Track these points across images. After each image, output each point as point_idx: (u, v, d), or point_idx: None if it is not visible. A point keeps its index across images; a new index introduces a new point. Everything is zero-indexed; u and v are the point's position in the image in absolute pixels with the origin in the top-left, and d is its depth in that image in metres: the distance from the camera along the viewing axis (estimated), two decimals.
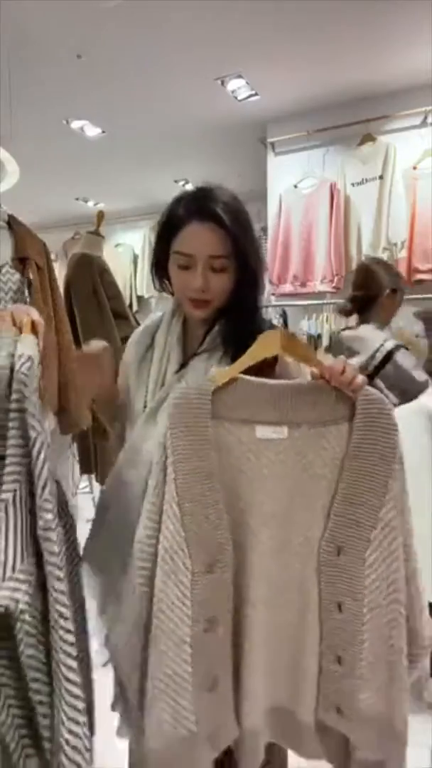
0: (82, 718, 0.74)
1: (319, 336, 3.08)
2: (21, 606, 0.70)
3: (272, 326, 1.10)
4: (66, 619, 0.72)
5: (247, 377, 0.87)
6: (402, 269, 3.06)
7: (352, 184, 3.21)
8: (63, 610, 0.72)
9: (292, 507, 0.88)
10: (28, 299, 1.81)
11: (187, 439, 0.85)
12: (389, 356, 1.85)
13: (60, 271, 2.35)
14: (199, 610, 0.85)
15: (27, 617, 0.70)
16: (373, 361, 1.86)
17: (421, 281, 3.03)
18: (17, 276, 1.79)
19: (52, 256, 2.14)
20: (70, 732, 0.72)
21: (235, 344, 0.97)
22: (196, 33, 2.55)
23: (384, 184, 3.10)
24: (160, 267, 1.06)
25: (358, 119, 3.19)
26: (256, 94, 3.18)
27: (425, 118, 3.12)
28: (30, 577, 0.71)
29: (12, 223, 1.84)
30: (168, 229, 0.99)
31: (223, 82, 3.02)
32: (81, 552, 0.97)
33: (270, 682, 0.92)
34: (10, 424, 0.73)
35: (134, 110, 3.38)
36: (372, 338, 1.92)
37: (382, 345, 1.87)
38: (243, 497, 0.88)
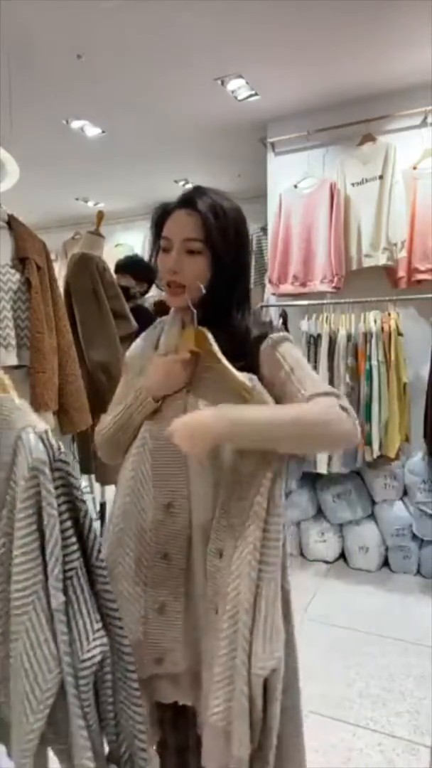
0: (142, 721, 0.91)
1: (319, 336, 3.08)
2: (106, 653, 0.85)
3: (270, 325, 1.13)
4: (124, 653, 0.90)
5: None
6: (402, 269, 3.07)
7: (352, 184, 3.21)
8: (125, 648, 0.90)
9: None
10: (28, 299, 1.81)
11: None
12: None
13: (60, 271, 2.36)
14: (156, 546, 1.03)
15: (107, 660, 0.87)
16: None
17: (420, 281, 3.03)
18: (17, 276, 1.79)
19: (52, 256, 2.15)
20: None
21: (227, 343, 1.00)
22: (196, 33, 2.55)
23: (384, 184, 3.09)
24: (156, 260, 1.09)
25: (358, 119, 3.19)
26: (256, 94, 3.17)
27: (425, 118, 3.12)
28: (102, 629, 0.86)
29: (12, 223, 1.84)
30: (160, 219, 1.05)
31: (223, 82, 3.02)
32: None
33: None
34: (61, 508, 0.82)
35: (134, 110, 3.37)
36: None
37: None
38: None
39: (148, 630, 1.03)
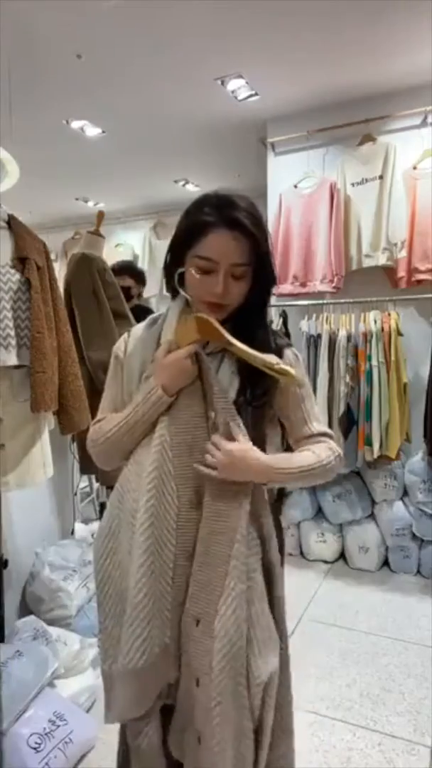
0: None
1: (319, 336, 3.08)
2: None
3: (280, 335, 1.17)
4: None
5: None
6: (402, 269, 3.07)
7: (352, 184, 3.21)
8: None
9: None
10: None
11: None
12: None
13: (60, 271, 2.36)
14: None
15: None
16: None
17: (420, 281, 3.03)
18: (17, 276, 1.79)
19: (52, 256, 2.14)
20: None
21: (246, 342, 1.02)
22: (196, 33, 2.55)
23: (384, 184, 3.10)
24: (174, 268, 1.07)
25: (358, 119, 3.19)
26: (256, 94, 3.17)
27: (425, 118, 3.12)
28: None
29: (12, 223, 1.84)
30: (190, 234, 1.01)
31: (223, 82, 3.02)
32: None
33: None
34: None
35: (134, 110, 3.38)
36: None
37: None
38: None
39: (175, 633, 1.03)
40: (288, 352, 1.09)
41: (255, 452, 1.01)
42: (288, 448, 1.13)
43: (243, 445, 1.00)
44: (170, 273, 1.08)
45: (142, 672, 0.99)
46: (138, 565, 1.00)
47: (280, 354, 1.06)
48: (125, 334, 1.17)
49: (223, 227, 0.97)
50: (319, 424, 1.12)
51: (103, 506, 2.97)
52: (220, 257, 0.98)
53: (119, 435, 1.08)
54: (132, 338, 1.15)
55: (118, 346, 1.17)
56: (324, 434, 1.11)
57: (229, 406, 1.02)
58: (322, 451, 1.07)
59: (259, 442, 1.04)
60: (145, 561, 0.99)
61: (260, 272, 1.02)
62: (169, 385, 1.03)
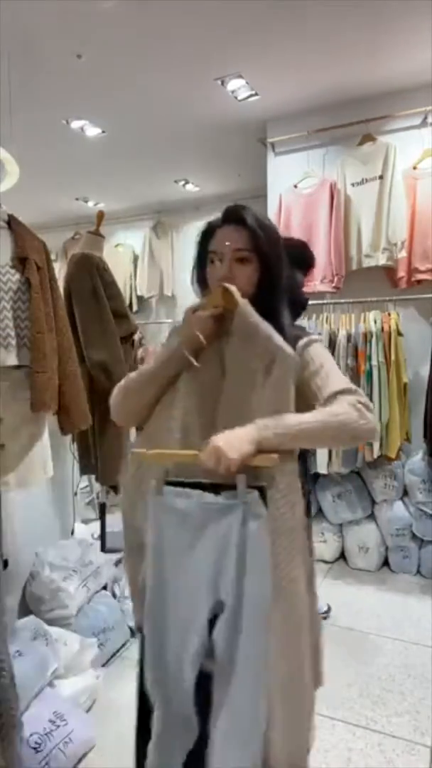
0: None
1: (319, 335, 3.08)
2: None
3: (304, 329, 1.25)
4: None
5: None
6: (402, 269, 3.07)
7: (352, 184, 3.21)
8: None
9: None
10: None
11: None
12: None
13: (60, 271, 2.36)
14: None
15: None
16: None
17: (420, 281, 3.03)
18: (17, 276, 1.79)
19: (52, 256, 2.14)
20: None
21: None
22: (196, 33, 2.55)
23: (384, 184, 3.10)
24: (199, 273, 1.21)
25: (358, 119, 3.19)
26: (256, 94, 3.17)
27: (425, 118, 3.12)
28: None
29: (12, 223, 1.84)
30: (205, 237, 1.18)
31: (223, 82, 3.02)
32: None
33: None
34: None
35: (134, 110, 3.38)
36: None
37: None
38: None
39: None
40: (300, 343, 1.13)
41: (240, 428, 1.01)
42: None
43: (226, 432, 1.02)
44: (197, 278, 1.22)
45: None
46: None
47: (294, 343, 1.11)
48: None
49: (226, 223, 1.15)
50: (333, 384, 1.09)
51: (103, 506, 2.97)
52: (223, 246, 1.13)
53: (143, 380, 1.18)
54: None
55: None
56: (338, 392, 1.07)
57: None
58: (334, 407, 1.04)
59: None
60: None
61: (264, 260, 1.12)
62: (187, 341, 1.12)
